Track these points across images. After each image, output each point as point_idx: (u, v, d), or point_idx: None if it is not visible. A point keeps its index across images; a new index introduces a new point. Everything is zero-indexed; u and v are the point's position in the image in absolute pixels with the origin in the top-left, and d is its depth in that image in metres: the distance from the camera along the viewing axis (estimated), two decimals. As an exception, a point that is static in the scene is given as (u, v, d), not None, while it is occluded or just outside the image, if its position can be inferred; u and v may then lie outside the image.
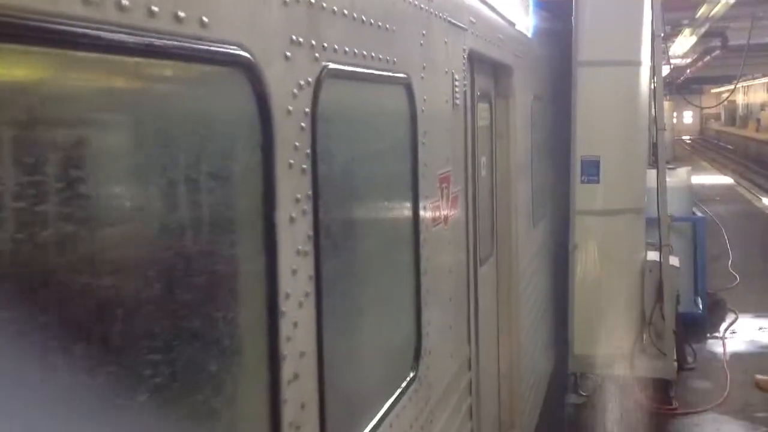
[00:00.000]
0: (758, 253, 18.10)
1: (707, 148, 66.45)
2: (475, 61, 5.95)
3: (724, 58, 32.66)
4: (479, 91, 6.23)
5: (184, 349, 2.09)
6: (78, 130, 1.79)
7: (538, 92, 9.26)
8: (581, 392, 10.49)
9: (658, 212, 10.19)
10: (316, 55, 2.82)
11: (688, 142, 74.97)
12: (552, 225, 10.29)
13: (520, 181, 7.68)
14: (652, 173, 10.37)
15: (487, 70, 6.76)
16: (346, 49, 3.12)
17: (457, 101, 5.06)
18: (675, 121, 63.51)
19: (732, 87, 21.54)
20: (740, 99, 77.12)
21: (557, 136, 10.41)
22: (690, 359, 11.48)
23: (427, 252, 4.23)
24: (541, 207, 9.57)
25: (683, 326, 11.33)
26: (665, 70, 11.34)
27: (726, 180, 37.15)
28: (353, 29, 3.25)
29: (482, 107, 6.50)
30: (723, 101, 28.30)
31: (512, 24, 7.66)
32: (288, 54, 2.57)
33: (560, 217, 10.34)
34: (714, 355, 12.22)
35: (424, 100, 4.21)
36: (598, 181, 10.01)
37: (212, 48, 2.12)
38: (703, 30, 26.68)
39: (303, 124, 2.66)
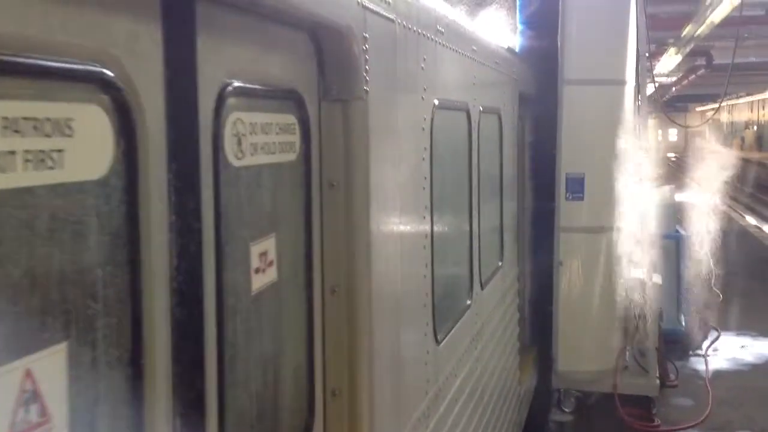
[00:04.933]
0: (742, 271, 18.21)
1: (691, 165, 66.76)
2: None
3: (709, 77, 32.97)
4: (243, 80, 2.71)
5: None
6: None
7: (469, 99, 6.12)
8: (565, 409, 10.53)
9: (642, 230, 10.27)
10: None
11: (673, 159, 75.40)
12: (527, 247, 10.17)
13: (402, 261, 4.17)
14: (636, 191, 10.45)
15: (285, 35, 3.09)
16: None
17: None
18: (660, 138, 63.88)
19: (716, 106, 21.74)
20: (725, 118, 77.74)
21: (534, 154, 10.32)
22: (672, 376, 11.54)
23: None
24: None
25: (666, 343, 11.40)
26: (650, 89, 11.44)
27: (710, 198, 37.33)
28: None
29: (271, 121, 2.95)
30: (707, 120, 28.50)
31: None
32: None
33: (543, 234, 10.37)
34: (696, 372, 12.28)
35: None
36: (582, 198, 10.09)
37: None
38: (688, 49, 26.96)
39: None
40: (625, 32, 10.09)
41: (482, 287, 6.59)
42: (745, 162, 51.24)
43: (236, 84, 2.64)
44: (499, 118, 7.59)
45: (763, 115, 63.13)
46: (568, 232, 10.18)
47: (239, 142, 2.69)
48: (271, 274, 2.96)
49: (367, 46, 3.51)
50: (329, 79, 3.40)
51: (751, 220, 29.60)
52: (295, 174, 3.19)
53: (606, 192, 10.13)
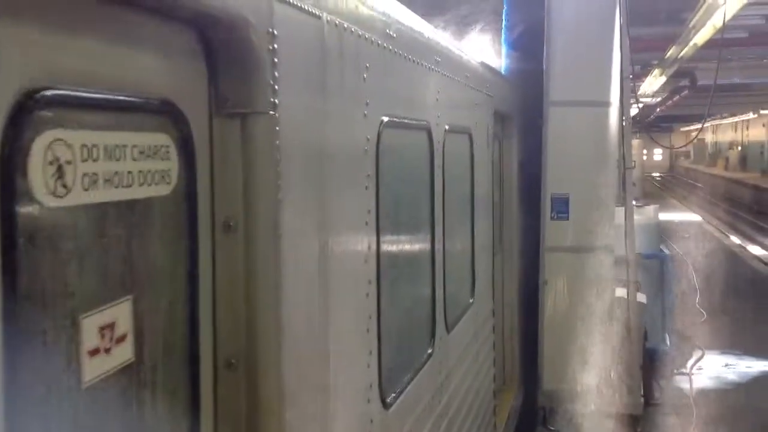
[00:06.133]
0: (725, 290, 18.34)
1: (677, 185, 67.31)
2: None
3: (693, 97, 33.29)
4: (72, 86, 1.93)
5: None
6: None
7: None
8: (550, 427, 10.58)
9: (626, 249, 10.37)
10: None
11: (658, 179, 75.88)
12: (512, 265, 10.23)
13: (331, 317, 3.33)
14: (621, 211, 10.57)
15: (152, 25, 2.26)
16: None
17: None
18: (645, 158, 64.37)
19: (700, 126, 22.01)
20: (709, 138, 78.39)
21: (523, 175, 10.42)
22: (657, 395, 11.61)
23: None
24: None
25: (650, 362, 11.48)
26: (634, 110, 11.57)
27: (695, 217, 37.61)
28: None
29: (125, 142, 2.15)
30: (691, 141, 28.80)
31: None
32: None
33: (529, 254, 10.46)
34: (681, 391, 12.36)
35: None
36: (567, 218, 10.20)
37: None
38: (672, 70, 27.23)
39: None
40: (609, 54, 10.23)
41: (448, 330, 5.77)
42: (729, 182, 51.65)
43: (56, 91, 1.83)
44: (470, 138, 6.85)
45: (747, 136, 63.71)
46: (553, 252, 10.27)
47: (60, 173, 1.84)
48: (122, 354, 2.11)
49: (275, 45, 2.70)
50: (223, 88, 2.55)
51: (735, 239, 29.81)
52: (170, 212, 2.34)
53: (591, 212, 10.24)
